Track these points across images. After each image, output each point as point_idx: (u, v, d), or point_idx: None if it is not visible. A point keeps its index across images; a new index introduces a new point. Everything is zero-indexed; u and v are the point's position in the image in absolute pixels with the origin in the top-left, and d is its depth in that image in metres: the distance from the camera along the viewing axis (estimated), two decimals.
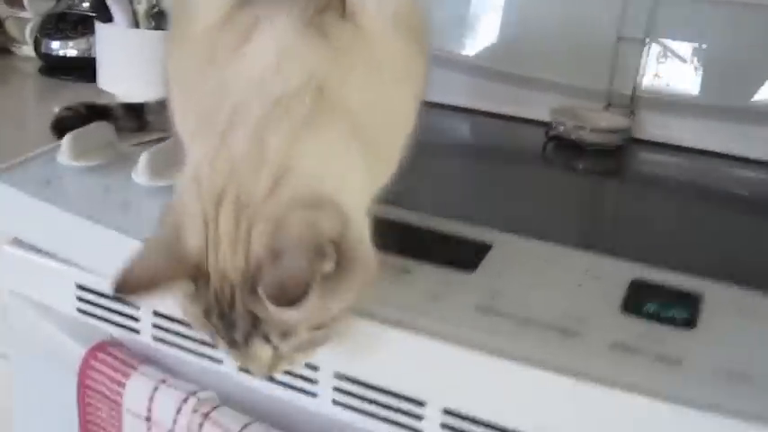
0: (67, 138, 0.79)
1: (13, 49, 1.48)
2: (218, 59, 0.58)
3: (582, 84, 1.20)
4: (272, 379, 0.64)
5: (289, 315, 0.49)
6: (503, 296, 0.60)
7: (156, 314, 0.74)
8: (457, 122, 1.25)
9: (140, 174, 0.76)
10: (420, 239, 0.68)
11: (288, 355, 0.55)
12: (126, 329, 0.76)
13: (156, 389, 0.69)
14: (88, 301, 0.78)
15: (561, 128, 1.13)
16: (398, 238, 0.64)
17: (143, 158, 0.76)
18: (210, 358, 0.69)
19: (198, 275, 0.52)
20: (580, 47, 1.19)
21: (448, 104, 1.23)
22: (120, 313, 0.76)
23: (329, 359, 0.61)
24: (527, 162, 1.12)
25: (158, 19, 1.15)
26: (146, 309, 0.74)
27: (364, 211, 0.56)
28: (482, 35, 1.27)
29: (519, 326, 0.57)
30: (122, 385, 0.71)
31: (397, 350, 0.59)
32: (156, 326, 0.74)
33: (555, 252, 0.67)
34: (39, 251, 0.80)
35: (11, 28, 1.47)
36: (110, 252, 0.67)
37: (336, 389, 0.63)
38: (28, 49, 1.46)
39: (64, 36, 1.33)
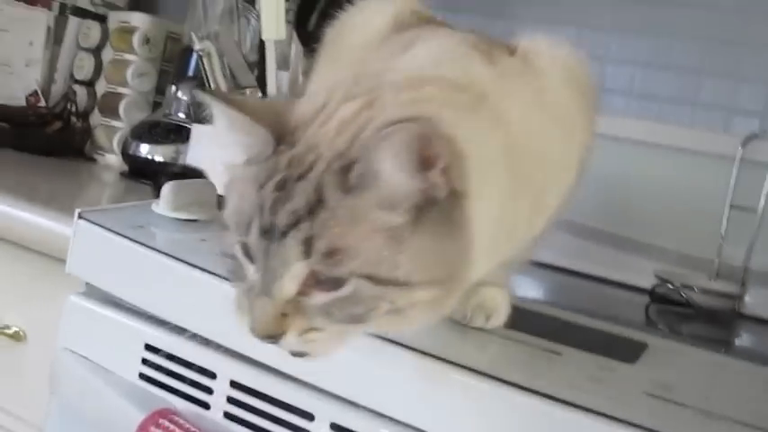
0: (167, 188, 0.73)
1: (97, 156, 1.48)
2: (373, 62, 0.55)
3: (688, 251, 1.12)
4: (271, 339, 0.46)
5: (360, 202, 0.42)
6: (674, 388, 0.50)
7: (235, 385, 0.63)
8: (553, 281, 1.18)
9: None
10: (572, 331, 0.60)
11: (311, 314, 0.44)
12: (194, 402, 0.65)
13: None
14: (154, 365, 0.68)
15: (668, 286, 1.04)
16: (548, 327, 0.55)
17: None
18: None
19: (282, 142, 0.45)
20: (689, 213, 1.14)
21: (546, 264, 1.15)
22: (191, 382, 0.66)
23: None
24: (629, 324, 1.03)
25: None
26: (222, 378, 0.64)
27: (491, 247, 0.49)
28: (588, 195, 1.22)
29: (699, 415, 0.47)
30: None
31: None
32: (231, 400, 0.64)
33: None
34: (109, 303, 0.71)
35: (100, 136, 1.48)
36: (194, 299, 0.61)
37: None
38: (112, 158, 1.45)
39: (154, 141, 1.32)
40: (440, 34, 0.58)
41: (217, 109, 0.46)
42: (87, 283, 0.74)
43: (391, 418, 0.55)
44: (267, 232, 0.43)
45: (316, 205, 0.42)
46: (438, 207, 0.43)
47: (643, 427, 0.45)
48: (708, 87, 1.22)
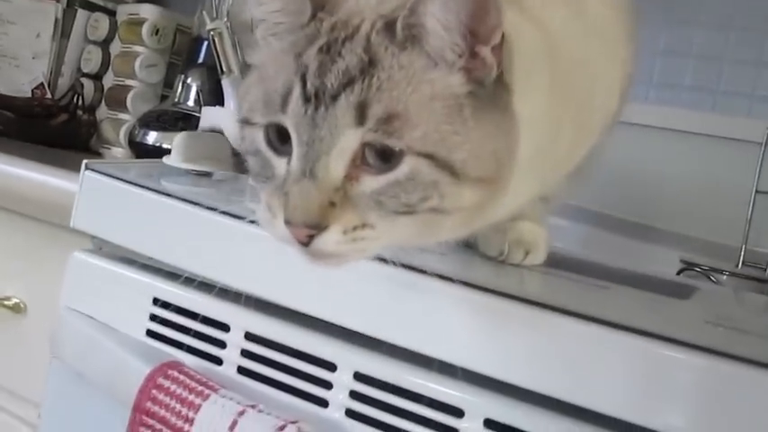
0: (179, 137, 0.69)
1: (103, 150, 1.44)
2: None
3: (714, 239, 1.08)
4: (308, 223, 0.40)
5: (415, 59, 0.39)
6: (734, 319, 0.46)
7: (249, 337, 0.59)
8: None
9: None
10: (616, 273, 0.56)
11: (360, 203, 0.39)
12: (205, 358, 0.61)
13: (241, 413, 0.53)
14: (163, 321, 0.64)
15: (696, 271, 0.99)
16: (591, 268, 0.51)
17: None
18: (311, 396, 0.55)
19: (318, 9, 0.42)
20: (714, 200, 1.10)
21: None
22: (202, 336, 0.61)
23: None
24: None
25: None
26: (236, 330, 0.60)
27: (532, 161, 0.45)
28: (610, 184, 1.19)
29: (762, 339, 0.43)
30: (196, 408, 0.54)
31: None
32: (246, 353, 0.59)
33: None
34: (115, 259, 0.67)
35: (106, 129, 1.45)
36: (208, 243, 0.59)
37: None
38: (118, 152, 1.42)
39: (162, 128, 1.29)
40: None
41: None
42: (93, 239, 0.71)
43: (423, 358, 0.50)
44: (312, 98, 0.39)
45: (368, 65, 0.39)
46: (488, 93, 0.40)
47: (713, 351, 0.40)
48: (729, 74, 1.20)
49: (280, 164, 0.41)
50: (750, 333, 0.44)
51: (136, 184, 0.65)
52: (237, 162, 0.87)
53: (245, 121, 0.43)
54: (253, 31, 1.21)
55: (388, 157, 0.39)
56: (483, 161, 0.40)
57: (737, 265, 1.05)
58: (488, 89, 0.40)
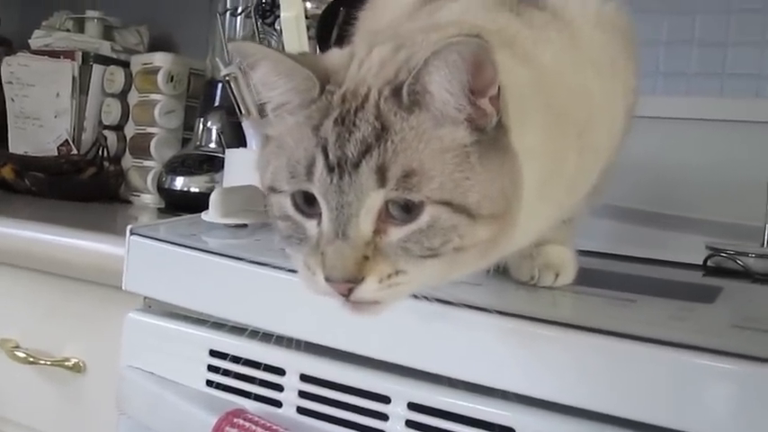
0: (215, 194, 0.73)
1: (132, 198, 1.49)
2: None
3: (735, 222, 1.10)
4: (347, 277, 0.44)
5: (423, 120, 0.43)
6: (760, 319, 0.49)
7: (305, 378, 0.63)
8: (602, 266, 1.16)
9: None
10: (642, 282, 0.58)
11: (390, 253, 0.43)
12: (265, 402, 0.65)
13: None
14: (221, 371, 0.67)
15: (722, 255, 1.01)
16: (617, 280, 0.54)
17: None
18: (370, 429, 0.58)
19: (325, 84, 0.45)
20: (731, 183, 1.12)
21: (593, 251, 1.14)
22: (260, 382, 0.65)
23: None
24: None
25: None
26: (291, 373, 0.63)
27: (536, 192, 0.48)
28: (627, 177, 1.21)
29: None
30: None
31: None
32: (303, 394, 0.63)
33: None
34: (168, 315, 0.71)
35: (133, 177, 1.49)
36: (255, 295, 0.62)
37: None
38: (147, 198, 1.46)
39: (188, 173, 1.33)
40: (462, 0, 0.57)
41: (260, 55, 0.46)
42: (145, 299, 0.75)
43: (473, 386, 0.53)
44: (336, 168, 0.43)
45: (382, 131, 0.42)
46: (489, 137, 0.44)
47: (739, 355, 0.43)
48: (733, 57, 1.21)
49: (311, 225, 0.45)
50: None
51: (180, 245, 0.69)
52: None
53: (272, 189, 0.47)
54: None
55: (410, 209, 0.43)
56: (493, 200, 0.43)
57: (763, 245, 1.07)
58: (490, 134, 0.44)
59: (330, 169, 0.43)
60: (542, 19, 0.55)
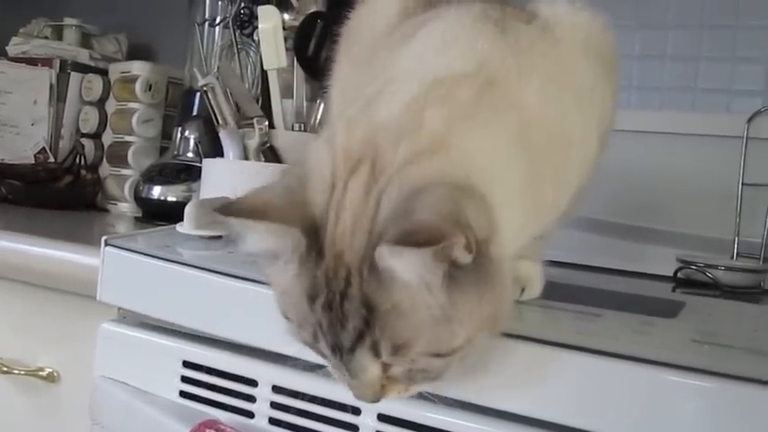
0: (189, 206, 0.74)
1: (109, 206, 1.49)
2: (382, 54, 0.56)
3: (706, 234, 1.12)
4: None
5: (407, 291, 0.42)
6: (718, 334, 0.51)
7: (277, 389, 0.63)
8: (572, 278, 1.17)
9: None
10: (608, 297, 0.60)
11: (401, 380, 0.47)
12: (237, 413, 0.65)
13: None
14: (194, 381, 0.68)
15: (692, 268, 1.03)
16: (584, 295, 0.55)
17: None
18: None
19: (313, 238, 0.45)
20: (703, 197, 1.14)
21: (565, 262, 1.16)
22: (232, 392, 0.66)
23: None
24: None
25: (268, 154, 1.15)
26: (263, 384, 0.64)
27: (516, 236, 0.49)
28: (599, 189, 1.23)
29: (748, 354, 0.47)
30: None
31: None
32: (275, 405, 0.64)
33: None
34: (142, 326, 0.72)
35: (111, 186, 1.49)
36: (229, 307, 0.62)
37: None
38: (124, 206, 1.46)
39: (165, 182, 1.33)
40: (444, 14, 0.56)
41: (242, 226, 0.46)
42: (119, 309, 0.75)
43: (438, 397, 0.54)
44: (336, 349, 0.45)
45: (368, 315, 0.43)
46: (468, 266, 0.43)
47: (697, 369, 0.45)
48: (705, 72, 1.24)
49: (322, 349, 0.47)
50: (734, 347, 0.48)
51: (154, 256, 0.70)
52: None
53: (284, 316, 0.48)
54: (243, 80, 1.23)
55: None
56: (480, 319, 0.45)
57: (732, 257, 1.09)
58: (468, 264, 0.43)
59: (332, 349, 0.46)
60: (529, 38, 0.54)
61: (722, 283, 0.99)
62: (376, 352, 0.44)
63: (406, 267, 0.42)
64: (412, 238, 0.40)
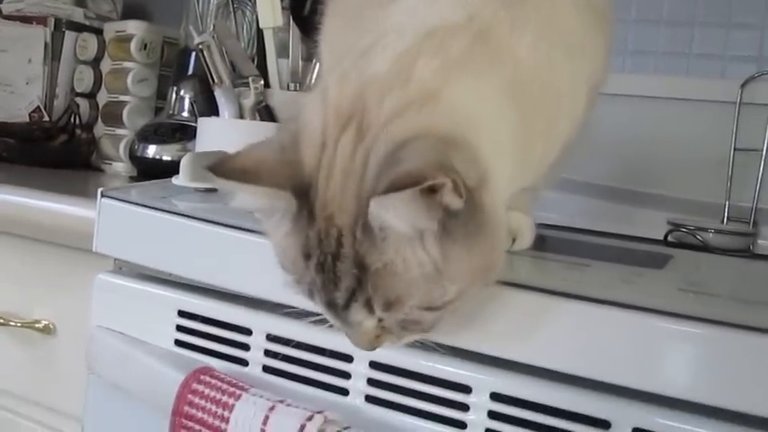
0: (185, 159, 0.74)
1: (104, 166, 1.49)
2: (372, 8, 0.55)
3: (698, 198, 1.13)
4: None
5: (400, 249, 0.43)
6: (704, 284, 0.52)
7: (271, 338, 0.65)
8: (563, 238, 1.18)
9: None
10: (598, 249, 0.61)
11: (394, 330, 0.48)
12: (231, 361, 0.66)
13: (272, 408, 0.58)
14: (189, 330, 0.69)
15: (682, 230, 1.04)
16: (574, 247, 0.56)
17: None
18: (332, 387, 0.60)
19: (303, 199, 0.45)
20: (695, 161, 1.14)
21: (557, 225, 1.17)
22: (227, 341, 0.67)
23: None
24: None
25: (263, 113, 1.15)
26: (258, 332, 0.65)
27: (506, 187, 0.50)
28: (593, 153, 1.24)
29: (733, 302, 0.49)
30: (230, 408, 0.60)
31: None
32: (269, 353, 0.65)
33: None
34: (138, 277, 0.73)
35: (105, 145, 1.49)
36: (223, 256, 0.63)
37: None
38: (119, 166, 1.46)
39: (161, 141, 1.33)
40: None
41: (230, 188, 0.46)
42: (115, 260, 0.76)
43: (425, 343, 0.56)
44: (330, 305, 0.46)
45: (360, 274, 0.44)
46: (459, 214, 0.43)
47: (683, 316, 0.46)
48: (700, 37, 1.24)
49: (323, 307, 0.48)
50: (719, 297, 0.50)
51: (150, 207, 0.70)
52: None
53: (283, 268, 0.49)
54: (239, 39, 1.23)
55: None
56: (472, 272, 0.45)
57: (722, 221, 1.10)
58: (460, 212, 0.43)
59: (326, 304, 0.46)
60: None
61: (712, 245, 1.00)
62: (369, 308, 0.45)
63: (397, 217, 0.42)
64: (399, 183, 0.40)
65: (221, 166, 0.45)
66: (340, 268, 0.44)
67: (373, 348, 0.49)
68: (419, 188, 0.40)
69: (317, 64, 1.19)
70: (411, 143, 0.43)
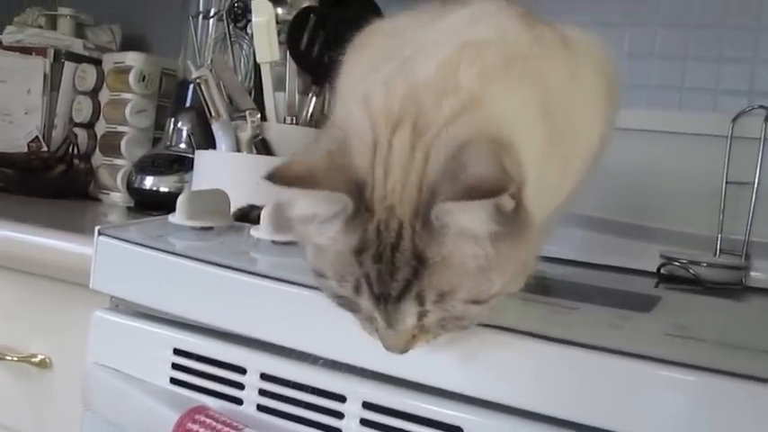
0: (182, 197, 0.75)
1: (102, 196, 1.50)
2: (409, 32, 0.57)
3: (690, 231, 1.14)
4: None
5: (458, 243, 0.44)
6: (690, 328, 0.53)
7: (265, 377, 0.65)
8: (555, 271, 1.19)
9: (261, 228, 0.71)
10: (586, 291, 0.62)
11: (432, 329, 0.49)
12: (226, 399, 0.67)
13: None
14: (184, 369, 0.70)
15: (675, 264, 1.05)
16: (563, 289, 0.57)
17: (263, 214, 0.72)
18: (322, 425, 0.61)
19: (359, 199, 0.46)
20: (687, 194, 1.15)
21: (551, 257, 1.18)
22: (222, 380, 0.67)
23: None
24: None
25: (260, 147, 1.16)
26: (252, 371, 0.66)
27: (537, 184, 0.51)
28: (591, 187, 1.25)
29: (719, 347, 0.49)
30: None
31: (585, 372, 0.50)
32: (263, 392, 0.65)
33: None
34: (134, 314, 0.73)
35: (103, 175, 1.50)
36: (218, 297, 0.64)
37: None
38: (116, 196, 1.47)
39: (158, 173, 1.34)
40: (471, 2, 0.59)
41: (294, 194, 0.47)
42: (112, 298, 0.76)
43: (422, 387, 0.56)
44: (381, 298, 0.47)
45: (418, 266, 0.45)
46: (508, 218, 0.45)
47: (667, 361, 0.47)
48: (692, 71, 1.26)
49: (362, 302, 0.48)
50: (705, 341, 0.50)
51: (147, 246, 0.71)
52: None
53: (319, 274, 0.49)
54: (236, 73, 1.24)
55: None
56: (514, 268, 0.47)
57: (715, 254, 1.11)
58: (509, 216, 0.45)
59: (376, 298, 0.47)
60: (552, 39, 0.57)
61: (704, 279, 1.01)
62: (421, 300, 0.46)
63: (465, 219, 0.44)
64: (475, 192, 0.42)
65: (279, 175, 0.46)
66: (399, 259, 0.45)
67: (405, 351, 0.50)
68: (494, 199, 0.43)
69: (313, 98, 1.21)
70: (471, 145, 0.45)
